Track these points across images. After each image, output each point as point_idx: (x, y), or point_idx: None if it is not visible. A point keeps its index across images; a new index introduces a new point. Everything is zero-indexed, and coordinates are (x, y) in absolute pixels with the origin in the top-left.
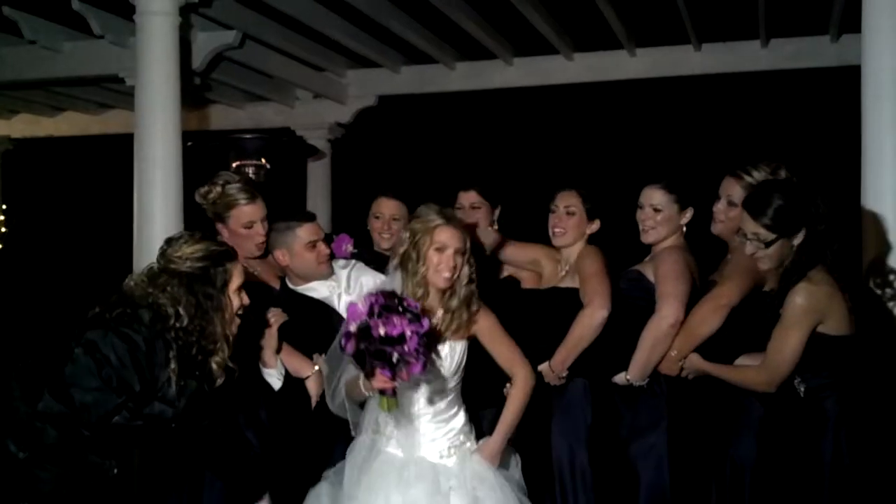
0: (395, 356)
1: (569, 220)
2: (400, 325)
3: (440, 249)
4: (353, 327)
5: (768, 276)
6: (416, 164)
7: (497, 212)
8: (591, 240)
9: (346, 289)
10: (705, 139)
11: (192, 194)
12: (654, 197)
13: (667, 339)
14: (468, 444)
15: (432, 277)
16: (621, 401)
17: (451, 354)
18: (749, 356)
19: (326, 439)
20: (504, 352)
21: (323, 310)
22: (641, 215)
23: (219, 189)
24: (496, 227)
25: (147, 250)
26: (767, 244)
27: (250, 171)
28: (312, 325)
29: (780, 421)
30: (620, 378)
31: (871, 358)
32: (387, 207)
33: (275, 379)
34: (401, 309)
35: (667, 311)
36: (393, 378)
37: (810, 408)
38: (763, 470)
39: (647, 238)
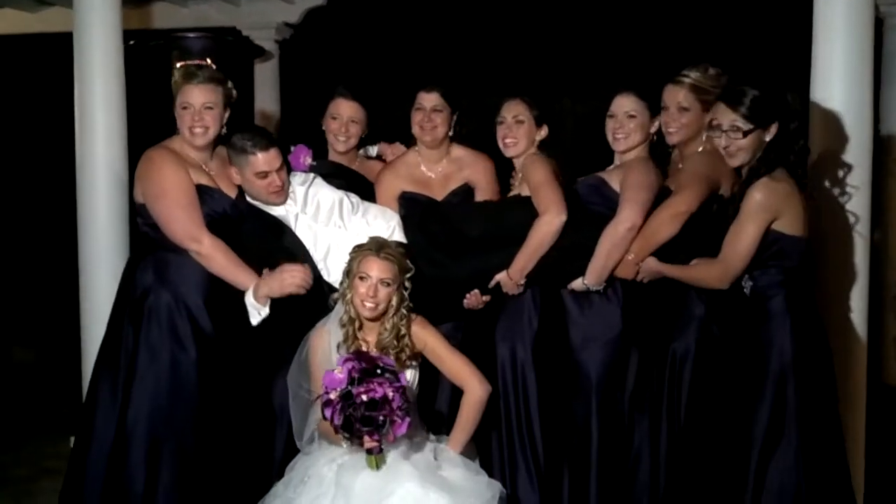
0: (382, 419)
1: (518, 128)
2: (381, 388)
3: (363, 278)
4: (333, 395)
5: (724, 182)
6: (367, 66)
7: (455, 118)
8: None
9: (303, 208)
10: (658, 45)
11: (135, 96)
12: (627, 104)
13: (624, 242)
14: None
15: (357, 305)
16: (575, 307)
17: None
18: (702, 260)
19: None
20: (452, 367)
21: (276, 226)
22: (613, 124)
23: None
24: (452, 133)
25: (89, 146)
26: (745, 133)
27: None
28: (264, 240)
29: (722, 317)
30: (578, 284)
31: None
32: (345, 109)
33: (256, 315)
34: (379, 371)
35: (625, 216)
36: (380, 440)
37: (754, 305)
38: (701, 365)
39: (619, 146)
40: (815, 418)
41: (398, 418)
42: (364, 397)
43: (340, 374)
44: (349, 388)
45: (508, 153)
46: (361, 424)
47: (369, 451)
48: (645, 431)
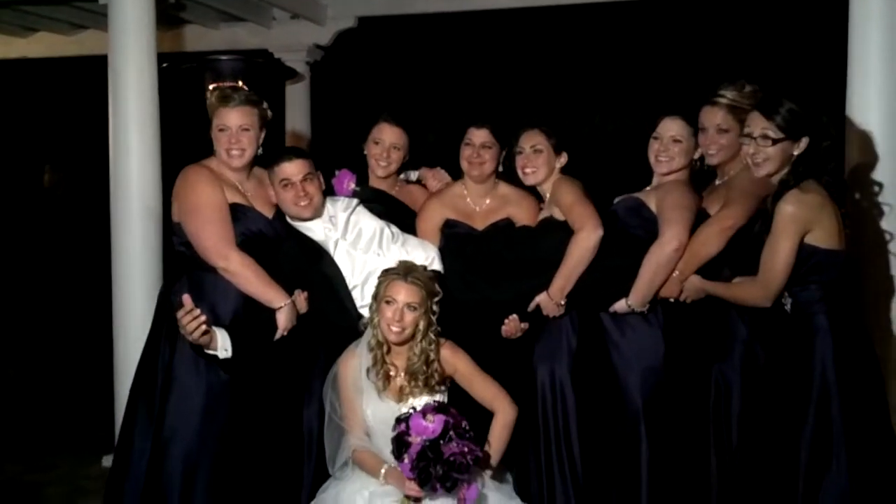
0: (456, 478)
1: (537, 158)
2: (470, 452)
3: (389, 302)
4: (417, 440)
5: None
6: (398, 88)
7: (503, 154)
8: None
9: (344, 234)
10: (691, 62)
11: (169, 117)
12: (674, 128)
13: (670, 263)
14: None
15: (384, 330)
16: (615, 329)
17: None
18: (744, 279)
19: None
20: (482, 391)
21: (315, 250)
22: (658, 146)
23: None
24: (501, 169)
25: (123, 167)
26: (774, 142)
27: None
28: (300, 263)
29: (766, 337)
30: (621, 305)
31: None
32: (388, 134)
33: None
34: (468, 436)
35: (671, 236)
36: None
37: (797, 323)
38: (748, 388)
39: (661, 168)
40: (866, 438)
41: (468, 482)
42: (450, 456)
43: (432, 423)
44: (439, 440)
45: (528, 182)
46: (438, 480)
47: (408, 497)
48: (692, 455)
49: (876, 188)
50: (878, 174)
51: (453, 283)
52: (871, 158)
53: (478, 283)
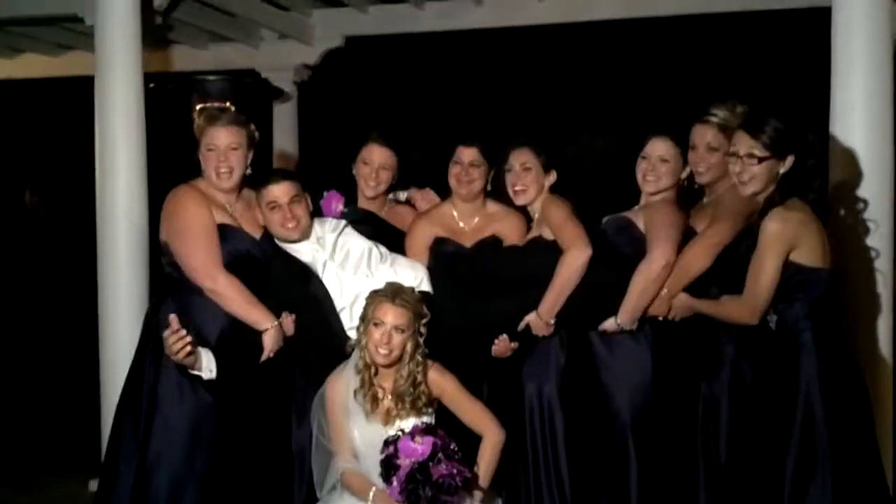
0: (445, 500)
1: (527, 175)
2: (459, 474)
3: (377, 324)
4: (405, 462)
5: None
6: (386, 107)
7: (491, 174)
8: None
9: (332, 255)
10: (678, 82)
11: (156, 138)
12: (661, 148)
13: (658, 280)
14: None
15: (371, 351)
16: (604, 348)
17: None
18: (731, 297)
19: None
20: (469, 414)
21: (304, 272)
22: (645, 166)
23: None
24: (489, 188)
25: (110, 188)
26: (760, 160)
27: None
28: (290, 285)
29: (752, 354)
30: (610, 324)
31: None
32: (377, 155)
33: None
34: (457, 458)
35: (658, 254)
36: None
37: (782, 340)
38: (736, 406)
39: (649, 187)
40: (850, 455)
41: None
42: (440, 479)
43: (420, 444)
44: (428, 462)
45: (518, 201)
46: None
47: None
48: (681, 472)
49: (861, 205)
50: (863, 191)
51: (442, 302)
52: (855, 176)
53: (467, 300)
